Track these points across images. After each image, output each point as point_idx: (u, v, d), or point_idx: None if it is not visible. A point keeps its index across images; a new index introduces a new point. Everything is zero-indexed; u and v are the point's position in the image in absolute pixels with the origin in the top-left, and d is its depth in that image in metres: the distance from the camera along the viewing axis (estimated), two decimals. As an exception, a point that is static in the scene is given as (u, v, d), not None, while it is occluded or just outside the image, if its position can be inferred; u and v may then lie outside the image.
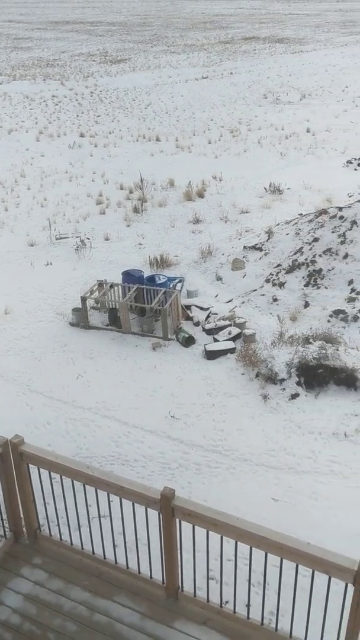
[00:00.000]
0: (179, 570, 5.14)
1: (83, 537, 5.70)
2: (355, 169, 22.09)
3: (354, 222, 13.94)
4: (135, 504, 4.96)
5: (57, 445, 9.21)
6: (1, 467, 5.32)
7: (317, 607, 4.56)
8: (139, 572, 5.35)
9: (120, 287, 13.48)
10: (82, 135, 28.15)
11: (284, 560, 4.44)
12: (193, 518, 4.63)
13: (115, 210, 19.36)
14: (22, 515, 5.65)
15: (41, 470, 5.35)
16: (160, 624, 4.95)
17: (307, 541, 4.37)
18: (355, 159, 22.80)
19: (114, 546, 5.57)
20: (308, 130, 27.53)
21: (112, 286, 13.51)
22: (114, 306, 13.05)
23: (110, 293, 13.44)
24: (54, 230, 17.48)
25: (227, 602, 5.29)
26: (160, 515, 4.82)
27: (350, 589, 4.18)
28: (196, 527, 4.76)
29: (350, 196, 18.89)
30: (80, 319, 12.83)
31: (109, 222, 18.40)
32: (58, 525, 5.72)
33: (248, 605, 5.11)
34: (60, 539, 5.67)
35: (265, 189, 20.00)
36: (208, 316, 12.81)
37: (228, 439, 9.59)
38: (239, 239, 16.32)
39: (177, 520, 4.80)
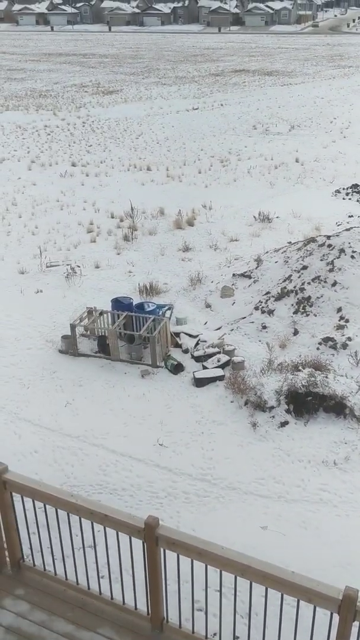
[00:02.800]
0: (164, 601, 5.07)
1: (68, 567, 5.62)
2: (344, 198, 22.39)
3: (341, 251, 14.09)
4: (119, 533, 4.91)
5: (44, 474, 9.11)
6: (-16, 496, 5.26)
7: (303, 637, 4.50)
8: (124, 603, 5.27)
9: (109, 314, 13.50)
10: (73, 165, 28.43)
11: (269, 590, 4.39)
12: (177, 547, 4.58)
13: (106, 238, 19.47)
14: (5, 545, 5.58)
15: (26, 499, 5.30)
16: (144, 657, 4.87)
17: (296, 571, 4.34)
18: (344, 189, 23.13)
19: (99, 577, 5.50)
20: (297, 160, 27.95)
21: (101, 313, 13.52)
22: (103, 333, 13.05)
23: (99, 320, 13.45)
24: (45, 258, 17.54)
25: (215, 634, 5.22)
26: (145, 545, 4.77)
27: (335, 618, 4.13)
28: (181, 556, 4.71)
29: (338, 225, 19.11)
30: (70, 347, 12.81)
31: (100, 250, 18.49)
32: (42, 555, 5.64)
33: (235, 638, 5.03)
34: (44, 570, 5.59)
35: (254, 217, 20.22)
36: (197, 343, 12.83)
37: (217, 468, 9.53)
38: (228, 266, 16.43)
39: (162, 549, 4.75)
